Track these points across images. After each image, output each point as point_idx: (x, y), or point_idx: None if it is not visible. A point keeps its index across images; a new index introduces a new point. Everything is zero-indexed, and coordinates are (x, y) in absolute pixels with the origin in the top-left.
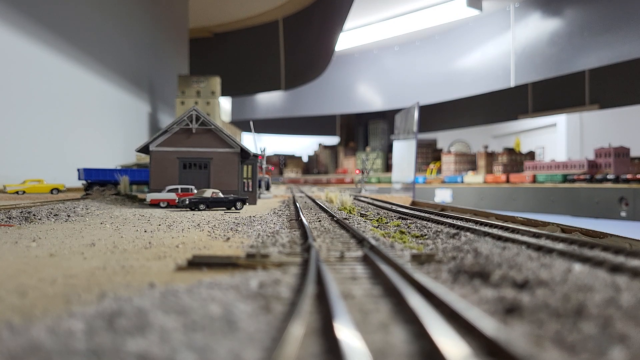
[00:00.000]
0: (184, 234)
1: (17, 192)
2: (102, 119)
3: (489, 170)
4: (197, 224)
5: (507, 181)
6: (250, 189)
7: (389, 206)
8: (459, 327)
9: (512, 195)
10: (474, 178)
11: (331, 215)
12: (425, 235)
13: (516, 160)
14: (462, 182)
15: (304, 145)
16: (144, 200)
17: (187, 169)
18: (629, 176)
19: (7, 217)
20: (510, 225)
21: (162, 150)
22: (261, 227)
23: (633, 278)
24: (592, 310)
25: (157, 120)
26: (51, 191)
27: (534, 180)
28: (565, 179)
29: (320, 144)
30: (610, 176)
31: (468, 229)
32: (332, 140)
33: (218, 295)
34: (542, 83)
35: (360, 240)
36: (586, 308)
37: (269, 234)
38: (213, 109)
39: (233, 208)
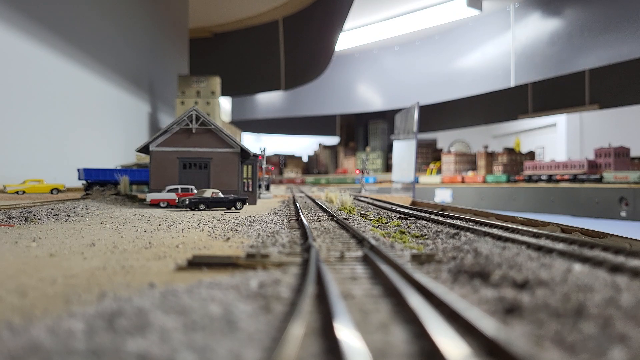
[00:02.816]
0: (184, 234)
1: (17, 192)
2: (102, 119)
3: (489, 170)
4: (197, 224)
5: (463, 181)
6: (250, 189)
7: (389, 206)
8: (459, 327)
9: (512, 195)
10: (430, 179)
11: (331, 215)
12: (425, 235)
13: (516, 160)
14: (417, 182)
15: (304, 145)
16: (144, 200)
17: (187, 169)
18: (557, 176)
19: (7, 217)
20: (510, 225)
21: (162, 150)
22: (261, 227)
23: (633, 278)
24: (592, 310)
25: (157, 120)
26: (51, 191)
27: (484, 180)
28: (509, 179)
29: (320, 144)
30: (543, 177)
31: (468, 229)
32: (332, 140)
33: (218, 295)
34: (542, 83)
35: (360, 240)
36: (586, 308)
37: (269, 234)
38: (213, 109)
39: (233, 208)
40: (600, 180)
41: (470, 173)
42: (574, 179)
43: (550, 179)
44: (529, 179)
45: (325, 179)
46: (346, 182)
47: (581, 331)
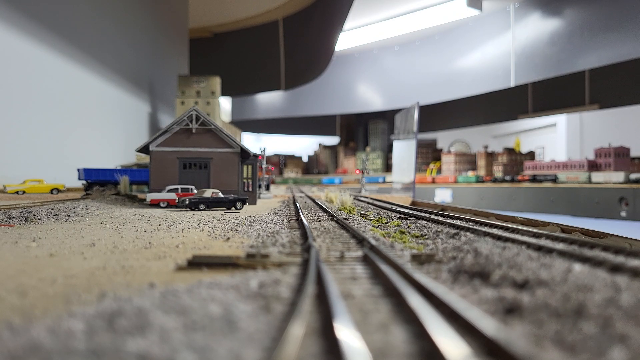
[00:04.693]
0: (184, 234)
1: (17, 192)
2: (102, 119)
3: (489, 170)
4: (197, 224)
5: (433, 182)
6: (250, 189)
7: (389, 206)
8: (459, 327)
9: (512, 195)
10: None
11: (331, 215)
12: (425, 235)
13: (516, 160)
14: (383, 181)
15: (304, 145)
16: (144, 200)
17: (187, 169)
18: (519, 177)
19: (7, 217)
20: (510, 225)
21: (162, 150)
22: (261, 227)
23: (633, 278)
24: (592, 310)
25: (157, 120)
26: (51, 191)
27: (456, 181)
28: (477, 179)
29: (320, 144)
30: (507, 177)
31: (468, 229)
32: (332, 140)
33: (218, 295)
34: (542, 83)
35: (360, 240)
36: (586, 308)
37: (269, 234)
38: (213, 109)
39: (233, 208)
40: (555, 180)
41: (470, 173)
42: (533, 179)
43: (512, 180)
44: (495, 180)
45: (293, 179)
46: (312, 182)
47: (581, 331)
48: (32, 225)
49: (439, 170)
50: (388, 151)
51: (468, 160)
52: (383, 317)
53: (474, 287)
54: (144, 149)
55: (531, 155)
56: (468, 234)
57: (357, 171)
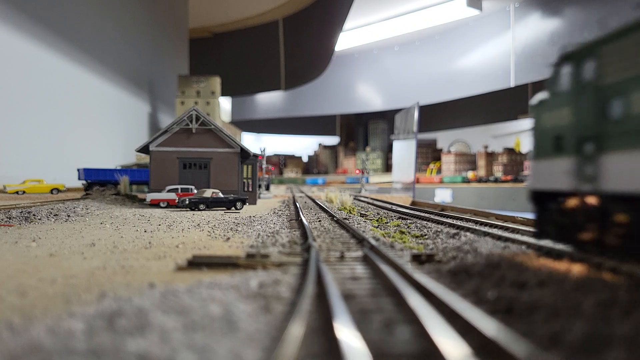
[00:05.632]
0: (184, 234)
1: (17, 192)
2: (102, 119)
3: (489, 170)
4: (197, 224)
5: (418, 182)
6: (250, 189)
7: (389, 206)
8: (459, 326)
9: (512, 195)
10: (380, 178)
11: (331, 215)
12: (425, 235)
13: (516, 160)
14: (367, 182)
15: (304, 145)
16: (144, 200)
17: (187, 169)
18: (502, 177)
19: (7, 217)
20: (510, 225)
21: (162, 150)
22: (261, 227)
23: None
24: (589, 310)
25: (157, 120)
26: (51, 191)
27: (442, 181)
28: (463, 180)
29: (320, 144)
30: (491, 178)
31: (468, 229)
32: (332, 140)
33: (218, 295)
34: (542, 83)
35: (360, 240)
36: (582, 305)
37: (269, 234)
38: (213, 109)
39: (233, 208)
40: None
41: (471, 173)
42: (515, 179)
43: (496, 180)
44: (480, 180)
45: (279, 179)
46: (296, 182)
47: (578, 330)
48: (32, 225)
49: (439, 170)
50: (388, 151)
51: (468, 160)
52: (383, 317)
53: (474, 286)
54: (144, 149)
55: None
56: (468, 234)
57: (357, 171)
